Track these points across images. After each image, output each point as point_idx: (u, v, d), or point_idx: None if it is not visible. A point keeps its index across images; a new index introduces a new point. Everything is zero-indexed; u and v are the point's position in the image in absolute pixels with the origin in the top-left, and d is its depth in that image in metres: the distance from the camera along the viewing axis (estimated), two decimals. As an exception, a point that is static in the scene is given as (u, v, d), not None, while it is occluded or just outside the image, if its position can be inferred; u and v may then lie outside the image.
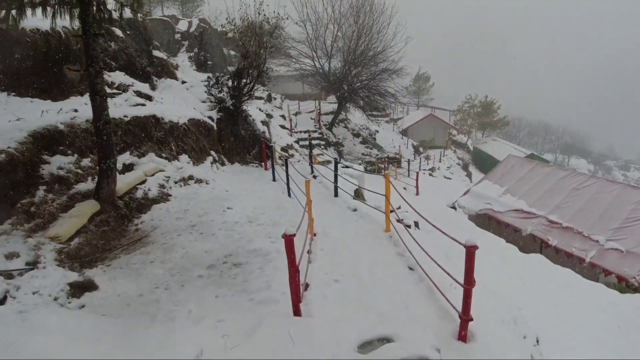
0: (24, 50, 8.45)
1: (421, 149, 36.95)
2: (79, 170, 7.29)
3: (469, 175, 33.92)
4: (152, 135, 10.25)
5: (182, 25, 23.98)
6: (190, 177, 10.36)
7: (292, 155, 16.56)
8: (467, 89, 51.81)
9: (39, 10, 6.29)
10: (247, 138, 14.22)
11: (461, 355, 3.74)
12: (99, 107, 6.68)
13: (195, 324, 4.11)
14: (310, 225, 6.83)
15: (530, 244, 13.05)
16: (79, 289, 4.99)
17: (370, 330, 3.92)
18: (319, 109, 27.49)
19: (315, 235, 7.04)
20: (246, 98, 13.83)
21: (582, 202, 13.39)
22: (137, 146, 9.58)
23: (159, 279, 5.44)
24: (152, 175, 9.29)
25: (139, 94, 11.40)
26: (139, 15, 13.00)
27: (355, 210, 8.76)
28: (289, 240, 3.79)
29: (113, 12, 6.80)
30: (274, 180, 11.83)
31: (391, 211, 7.05)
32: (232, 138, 13.74)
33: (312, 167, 12.82)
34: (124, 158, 8.84)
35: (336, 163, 9.99)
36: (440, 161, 34.40)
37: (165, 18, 23.79)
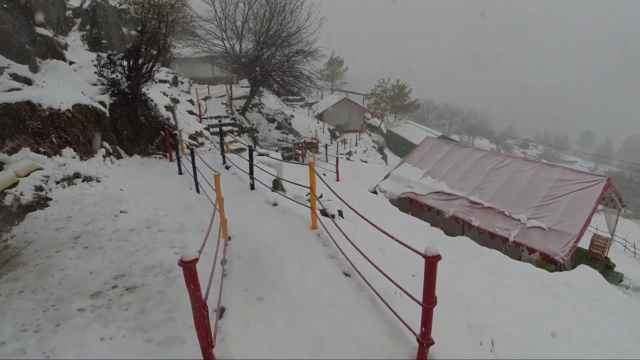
0: None
1: (337, 133, 36.88)
2: None
3: (385, 158, 34.62)
4: (27, 125, 8.42)
5: (75, 1, 20.96)
6: (77, 175, 8.70)
7: (202, 144, 15.14)
8: (379, 73, 52.88)
9: None
10: (148, 125, 12.54)
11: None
12: None
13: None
14: (224, 227, 5.84)
15: (453, 225, 13.15)
16: None
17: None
18: (231, 94, 25.92)
19: (230, 239, 6.08)
20: (145, 79, 12.13)
21: (501, 182, 13.70)
22: (7, 140, 7.76)
23: (28, 316, 4.12)
24: (27, 175, 7.55)
25: (15, 77, 9.38)
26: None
27: (275, 204, 7.88)
28: (188, 268, 2.81)
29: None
30: (180, 173, 10.49)
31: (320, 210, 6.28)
32: (130, 126, 12.02)
33: (224, 157, 11.63)
34: (-14, 156, 7.06)
35: (251, 151, 8.99)
36: (356, 145, 34.61)
37: (53, -10, 20.48)
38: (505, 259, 8.56)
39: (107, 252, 5.49)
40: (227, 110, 24.53)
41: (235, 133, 21.27)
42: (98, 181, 8.92)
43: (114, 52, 12.50)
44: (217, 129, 13.80)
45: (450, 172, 15.30)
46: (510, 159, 15.07)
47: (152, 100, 13.45)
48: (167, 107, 14.65)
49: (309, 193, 9.99)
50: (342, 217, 8.25)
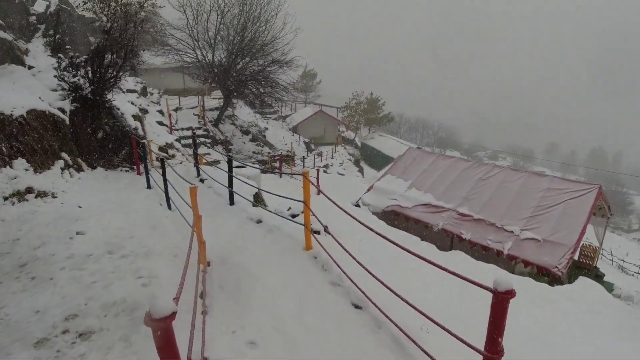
0: None
1: (312, 146, 36.22)
2: None
3: (361, 170, 34.22)
4: (-29, 133, 7.33)
5: (39, 7, 19.56)
6: (29, 190, 7.59)
7: (174, 156, 14.08)
8: (352, 86, 53.07)
9: None
10: (113, 135, 11.45)
11: None
12: None
13: None
14: (202, 250, 4.95)
15: (443, 239, 12.52)
16: None
17: None
18: (203, 105, 24.86)
19: (209, 264, 5.16)
20: (111, 84, 11.07)
21: (490, 193, 13.24)
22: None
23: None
24: (-34, 189, 6.49)
25: (-38, 81, 8.25)
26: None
27: (259, 222, 6.99)
28: (162, 329, 1.95)
29: None
30: (149, 187, 9.45)
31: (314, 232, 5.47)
32: (93, 136, 10.91)
33: (198, 169, 10.65)
34: None
35: (230, 162, 8.10)
36: (332, 157, 34.01)
37: (17, -5, 19.09)
38: (504, 274, 7.97)
39: (57, 285, 4.48)
40: (199, 122, 23.46)
41: (209, 145, 20.22)
42: (54, 197, 7.82)
43: (77, 54, 11.40)
44: (189, 141, 12.78)
45: (435, 183, 14.74)
46: (497, 169, 14.69)
47: (118, 109, 12.36)
48: (135, 117, 13.56)
49: (290, 207, 9.18)
50: (328, 233, 7.43)
